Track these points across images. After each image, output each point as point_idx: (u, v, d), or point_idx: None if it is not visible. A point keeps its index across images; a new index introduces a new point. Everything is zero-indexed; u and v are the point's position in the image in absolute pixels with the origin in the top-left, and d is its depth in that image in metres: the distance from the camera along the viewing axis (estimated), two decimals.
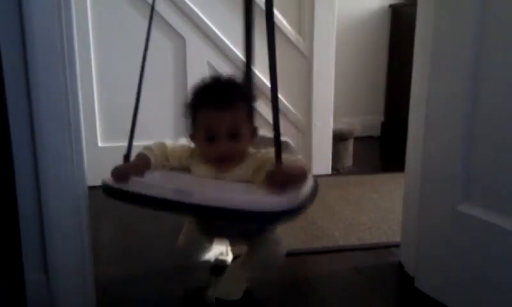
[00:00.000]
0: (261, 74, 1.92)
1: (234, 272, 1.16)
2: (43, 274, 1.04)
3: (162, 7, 1.94)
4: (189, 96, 1.03)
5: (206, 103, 0.99)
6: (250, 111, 1.04)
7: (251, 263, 1.13)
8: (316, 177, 1.02)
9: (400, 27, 2.95)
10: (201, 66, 2.06)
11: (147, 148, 1.04)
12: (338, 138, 2.31)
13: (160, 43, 2.00)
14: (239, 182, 0.98)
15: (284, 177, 0.86)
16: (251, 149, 1.04)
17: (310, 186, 0.94)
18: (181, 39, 2.04)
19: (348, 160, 2.41)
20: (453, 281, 1.10)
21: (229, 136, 0.98)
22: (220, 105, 0.97)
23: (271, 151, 0.90)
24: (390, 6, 3.06)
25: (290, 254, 1.38)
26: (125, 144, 1.02)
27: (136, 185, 0.94)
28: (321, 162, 2.25)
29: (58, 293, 1.04)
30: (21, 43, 0.94)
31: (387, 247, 1.44)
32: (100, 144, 2.00)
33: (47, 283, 1.04)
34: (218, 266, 1.27)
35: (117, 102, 1.84)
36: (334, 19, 2.17)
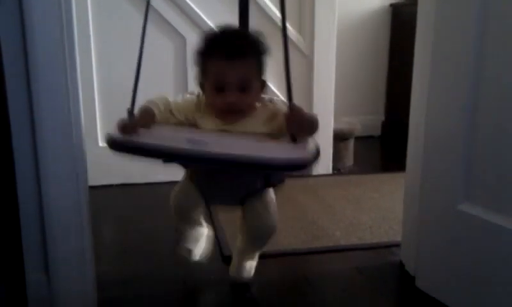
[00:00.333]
0: None
1: (240, 254, 1.20)
2: (44, 273, 1.05)
3: (162, 7, 1.93)
4: (201, 43, 1.01)
5: (218, 52, 0.97)
6: (261, 65, 1.02)
7: (249, 243, 1.17)
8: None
9: (400, 27, 2.94)
10: None
11: (150, 101, 1.01)
12: (339, 138, 2.30)
13: (161, 42, 1.99)
14: (248, 133, 0.98)
15: (301, 118, 0.92)
16: (258, 104, 1.03)
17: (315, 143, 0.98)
18: (181, 39, 2.04)
19: (349, 160, 2.40)
20: (453, 280, 1.10)
21: (239, 87, 0.97)
22: (232, 56, 0.96)
23: (279, 104, 1.00)
24: (391, 5, 3.05)
25: (290, 254, 1.39)
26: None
27: (145, 136, 0.92)
28: (322, 161, 2.21)
29: (59, 293, 1.04)
30: (21, 38, 0.94)
31: (388, 246, 1.44)
32: (100, 144, 2.00)
33: (47, 282, 1.04)
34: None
35: (117, 102, 1.83)
36: (334, 19, 2.17)
